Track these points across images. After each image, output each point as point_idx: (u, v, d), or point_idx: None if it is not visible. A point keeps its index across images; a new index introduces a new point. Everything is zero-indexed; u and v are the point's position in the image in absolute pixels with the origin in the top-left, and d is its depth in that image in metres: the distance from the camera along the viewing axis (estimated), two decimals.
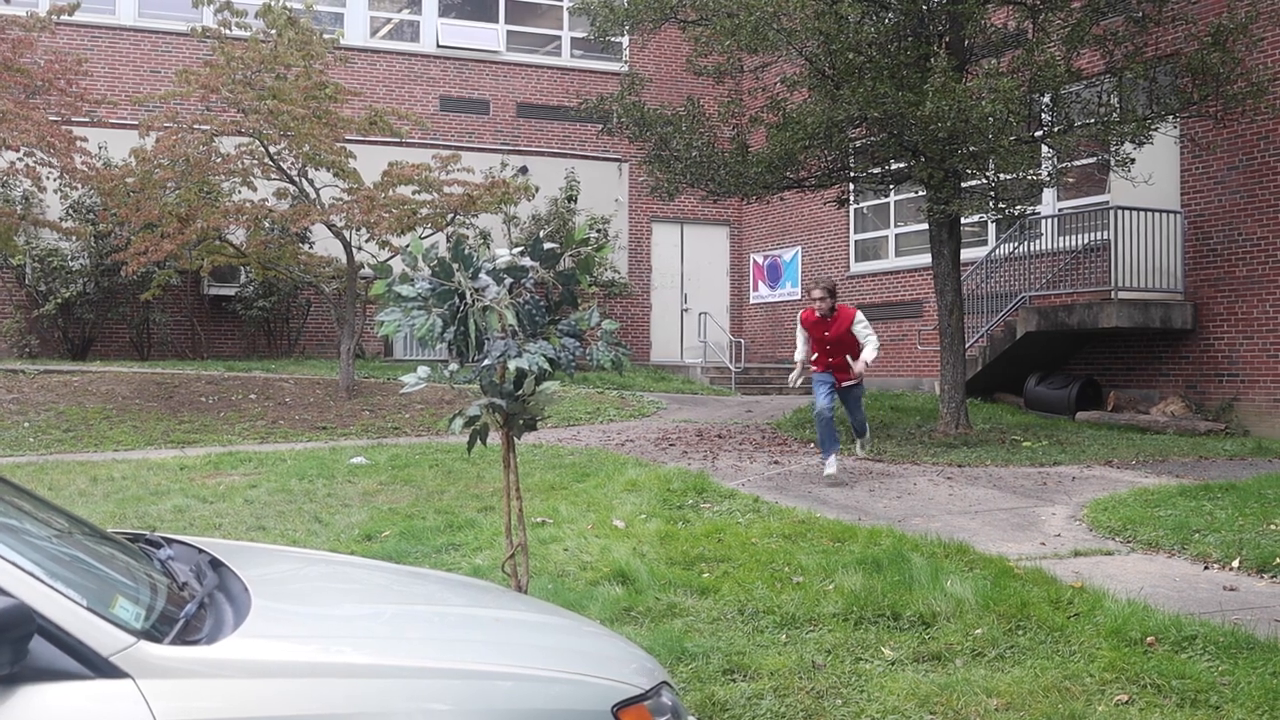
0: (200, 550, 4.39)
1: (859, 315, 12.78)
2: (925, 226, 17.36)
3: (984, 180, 15.97)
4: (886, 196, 22.20)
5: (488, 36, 26.45)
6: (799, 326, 13.29)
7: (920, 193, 16.67)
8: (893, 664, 6.53)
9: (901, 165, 16.46)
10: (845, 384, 13.05)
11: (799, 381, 13.27)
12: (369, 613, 4.24)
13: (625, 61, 24.81)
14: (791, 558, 8.60)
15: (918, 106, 14.00)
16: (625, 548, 8.88)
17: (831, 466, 12.48)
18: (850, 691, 6.14)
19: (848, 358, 12.84)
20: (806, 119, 15.34)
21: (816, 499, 11.42)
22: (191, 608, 3.59)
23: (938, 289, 16.56)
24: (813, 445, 15.80)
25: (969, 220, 18.21)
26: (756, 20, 14.78)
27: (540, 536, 9.25)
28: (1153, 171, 17.45)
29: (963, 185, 15.78)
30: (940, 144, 14.51)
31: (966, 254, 18.47)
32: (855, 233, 24.86)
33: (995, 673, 6.34)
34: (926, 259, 17.64)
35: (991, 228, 20.76)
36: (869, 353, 12.53)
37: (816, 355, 13.07)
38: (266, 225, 19.22)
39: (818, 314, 12.89)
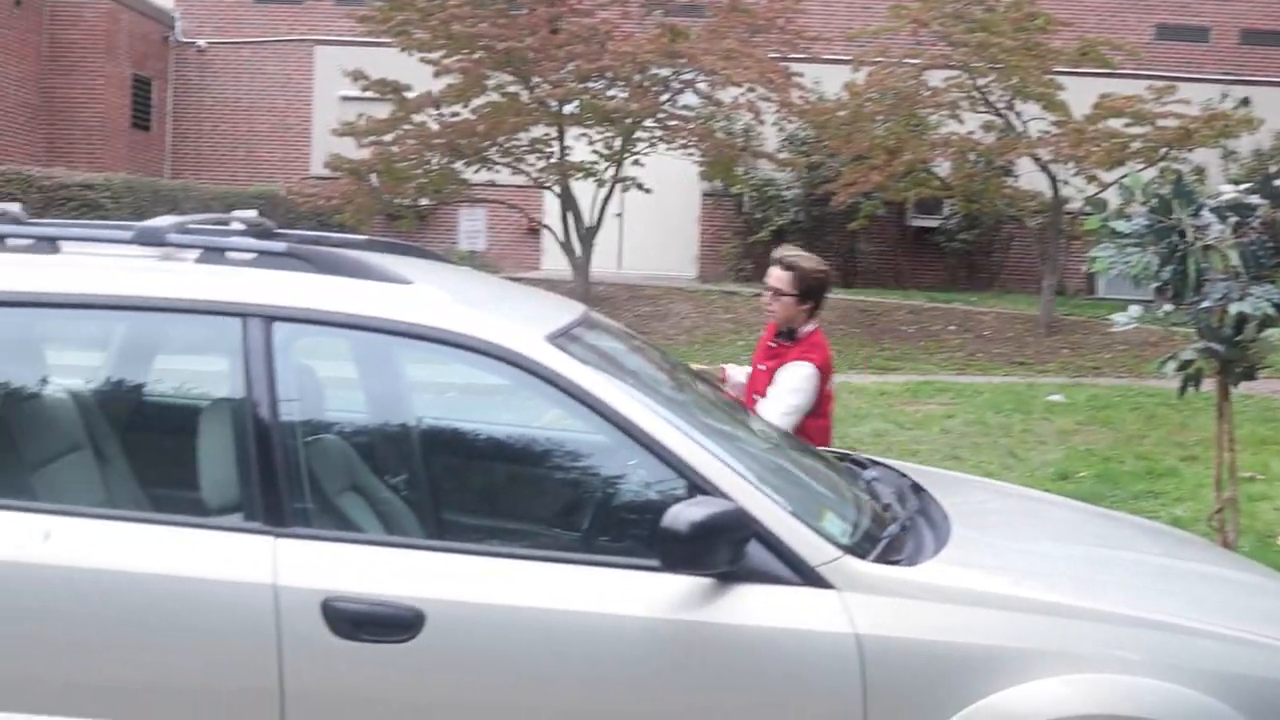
0: (902, 474, 4.49)
1: (805, 368, 5.46)
2: None
3: None
4: None
5: None
6: None
7: None
8: None
9: None
10: None
11: None
12: (1062, 552, 4.17)
13: None
14: None
15: None
16: None
17: None
18: None
19: None
20: None
21: None
22: (894, 529, 3.68)
23: None
24: None
25: None
26: None
27: (1248, 493, 8.65)
28: None
29: None
30: None
31: None
32: None
33: None
34: None
35: None
36: (770, 408, 5.37)
37: None
38: (971, 158, 19.22)
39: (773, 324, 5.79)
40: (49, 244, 3.73)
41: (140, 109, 23.43)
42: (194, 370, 4.52)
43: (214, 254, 3.68)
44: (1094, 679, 3.23)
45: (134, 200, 17.64)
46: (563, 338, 3.66)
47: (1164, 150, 17.84)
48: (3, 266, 3.68)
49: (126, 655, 3.31)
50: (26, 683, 3.31)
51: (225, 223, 4.42)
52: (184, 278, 3.64)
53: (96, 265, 3.72)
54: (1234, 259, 5.49)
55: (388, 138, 18.00)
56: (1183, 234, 5.56)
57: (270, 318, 3.51)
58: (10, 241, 3.75)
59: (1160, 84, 18.35)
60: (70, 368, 4.38)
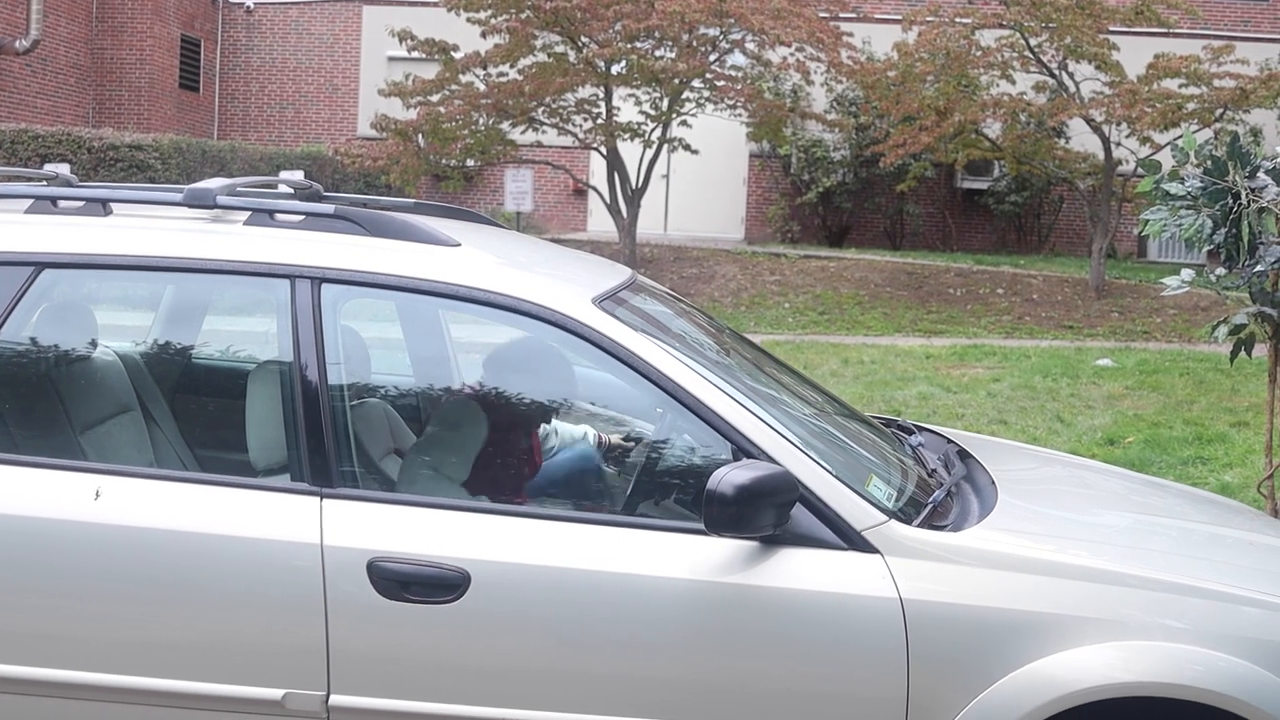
0: (949, 440, 4.48)
1: None
2: None
3: None
4: None
5: None
6: None
7: None
8: None
9: None
10: None
11: None
12: (1109, 519, 4.15)
13: None
14: None
15: None
16: None
17: None
18: None
19: None
20: None
21: None
22: (939, 494, 3.68)
23: None
24: None
25: None
26: None
27: None
28: None
29: None
30: None
31: None
32: None
33: None
34: None
35: None
36: None
37: None
38: (1022, 119, 19.03)
39: None
40: (100, 206, 3.76)
41: (188, 70, 23.52)
42: (243, 331, 4.56)
43: (262, 215, 3.71)
44: (1139, 646, 3.23)
45: (182, 161, 17.75)
46: (609, 301, 3.67)
47: (1220, 111, 17.60)
48: (56, 229, 3.71)
49: (173, 613, 3.36)
50: (73, 640, 3.36)
51: (273, 185, 4.44)
52: (233, 239, 3.67)
53: (147, 227, 3.75)
54: None
55: (434, 98, 17.98)
56: (1237, 196, 5.47)
57: (319, 279, 3.53)
58: (63, 204, 3.79)
59: (1217, 44, 18.07)
60: (121, 329, 4.43)
